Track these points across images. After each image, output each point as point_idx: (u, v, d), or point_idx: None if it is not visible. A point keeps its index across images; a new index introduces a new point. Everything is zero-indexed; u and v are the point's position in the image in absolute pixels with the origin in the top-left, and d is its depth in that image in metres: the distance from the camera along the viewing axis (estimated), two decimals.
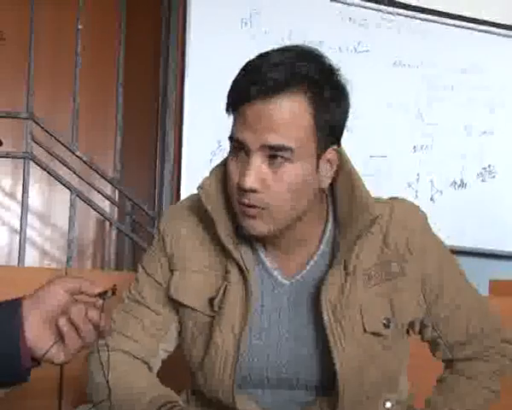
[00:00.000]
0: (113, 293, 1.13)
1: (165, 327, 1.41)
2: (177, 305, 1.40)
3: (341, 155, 1.35)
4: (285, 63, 1.25)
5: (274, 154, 1.24)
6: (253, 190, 1.24)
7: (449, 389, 1.45)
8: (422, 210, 1.43)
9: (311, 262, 1.37)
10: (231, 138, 1.29)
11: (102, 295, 1.12)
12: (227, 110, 1.30)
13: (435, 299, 1.39)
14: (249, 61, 1.29)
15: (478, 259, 3.80)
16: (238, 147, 1.27)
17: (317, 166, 1.28)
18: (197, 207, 1.39)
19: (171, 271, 1.40)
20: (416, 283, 1.37)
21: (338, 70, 1.31)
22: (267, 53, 1.29)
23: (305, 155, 1.25)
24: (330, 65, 1.30)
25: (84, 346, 1.11)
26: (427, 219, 1.42)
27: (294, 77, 1.24)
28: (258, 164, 1.24)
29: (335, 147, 1.31)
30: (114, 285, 1.13)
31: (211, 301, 1.35)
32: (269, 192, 1.25)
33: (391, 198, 1.42)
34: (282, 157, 1.24)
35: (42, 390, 1.63)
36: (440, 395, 1.45)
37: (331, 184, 1.37)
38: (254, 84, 1.23)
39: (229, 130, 1.29)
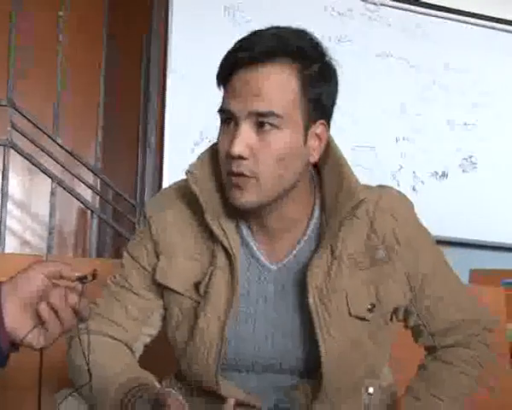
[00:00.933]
0: (93, 277, 1.12)
1: (148, 312, 1.41)
2: (162, 289, 1.40)
3: (330, 141, 1.37)
4: (275, 34, 1.29)
5: (262, 121, 1.25)
6: (242, 157, 1.25)
7: (430, 375, 1.46)
8: (409, 199, 1.44)
9: (298, 247, 1.37)
10: (221, 111, 1.30)
11: (82, 279, 1.11)
12: (218, 84, 1.32)
13: (420, 287, 1.40)
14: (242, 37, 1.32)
15: (459, 248, 3.83)
16: (227, 119, 1.29)
17: (305, 139, 1.30)
18: (184, 191, 1.40)
19: (157, 256, 1.40)
20: (401, 270, 1.38)
21: (328, 51, 1.33)
22: (260, 29, 1.31)
23: (292, 123, 1.27)
24: (320, 44, 1.33)
25: (64, 330, 1.11)
26: (413, 208, 1.43)
27: (283, 47, 1.27)
28: (246, 131, 1.26)
29: (324, 122, 1.32)
30: (94, 270, 1.12)
31: (196, 285, 1.36)
32: (257, 160, 1.26)
33: (379, 186, 1.43)
34: (269, 124, 1.25)
35: (21, 379, 1.62)
36: (422, 381, 1.46)
37: (319, 170, 1.39)
38: (243, 51, 1.26)
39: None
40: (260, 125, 1.26)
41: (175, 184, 1.46)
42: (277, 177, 1.28)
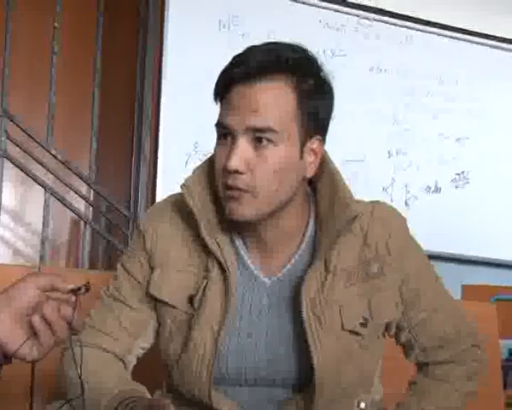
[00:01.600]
0: (87, 290, 1.12)
1: (142, 324, 1.41)
2: (155, 302, 1.40)
3: (324, 155, 1.38)
4: (271, 49, 1.31)
5: (259, 136, 1.27)
6: (238, 172, 1.27)
7: (422, 390, 1.47)
8: (401, 214, 1.45)
9: (292, 261, 1.38)
10: (218, 125, 1.32)
11: (75, 291, 1.11)
12: (215, 99, 1.33)
13: (412, 302, 1.41)
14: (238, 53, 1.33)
15: (451, 264, 3.83)
16: (224, 133, 1.30)
17: (301, 154, 1.31)
18: (179, 205, 1.41)
19: (151, 268, 1.41)
20: (394, 284, 1.39)
21: (323, 65, 1.35)
22: (255, 45, 1.33)
23: (288, 138, 1.28)
24: (316, 59, 1.35)
25: (57, 343, 1.11)
26: (406, 222, 1.44)
27: (279, 62, 1.28)
28: (243, 146, 1.27)
29: (320, 138, 1.34)
30: (88, 282, 1.13)
31: (190, 298, 1.36)
32: (253, 174, 1.27)
33: (371, 201, 1.44)
34: (266, 139, 1.27)
35: (12, 390, 1.61)
36: (414, 396, 1.46)
37: (314, 184, 1.40)
38: (239, 67, 1.28)
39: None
40: (257, 141, 1.27)
41: (170, 197, 1.47)
42: (273, 191, 1.29)
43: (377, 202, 1.45)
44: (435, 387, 1.46)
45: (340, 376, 1.34)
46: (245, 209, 1.29)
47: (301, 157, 1.31)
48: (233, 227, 1.38)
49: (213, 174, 1.35)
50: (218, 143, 1.33)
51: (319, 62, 1.35)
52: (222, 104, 1.32)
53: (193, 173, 1.39)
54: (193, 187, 1.37)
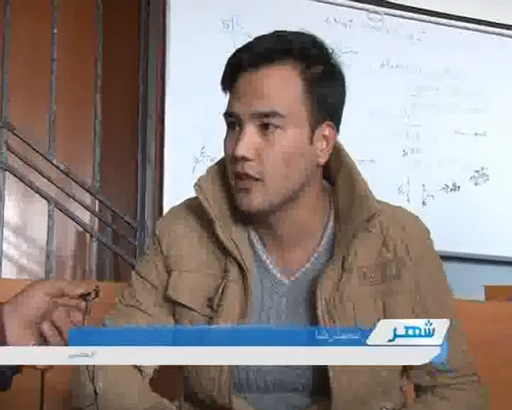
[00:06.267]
0: (96, 294, 1.15)
1: None
2: (173, 307, 1.42)
3: (340, 149, 1.41)
4: (278, 36, 1.35)
5: (265, 122, 1.30)
6: (246, 158, 1.30)
7: (427, 404, 1.45)
8: (425, 225, 1.47)
9: (312, 259, 1.40)
10: (226, 114, 1.35)
11: (85, 296, 1.14)
12: (223, 89, 1.37)
13: (419, 313, 1.40)
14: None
15: (471, 264, 3.82)
16: (232, 122, 1.34)
17: (311, 139, 1.34)
18: (194, 206, 1.44)
19: (169, 272, 1.43)
20: (410, 289, 1.40)
21: (334, 52, 1.38)
22: (263, 34, 1.37)
23: (296, 123, 1.32)
24: (325, 45, 1.38)
25: None
26: (429, 234, 1.47)
27: (285, 47, 1.32)
28: (250, 133, 1.31)
29: (330, 123, 1.36)
30: (97, 286, 1.15)
31: (209, 300, 1.38)
32: (261, 161, 1.31)
33: (395, 206, 1.47)
34: (273, 125, 1.30)
35: (22, 400, 1.62)
36: (419, 403, 1.46)
37: (332, 179, 1.43)
38: (245, 53, 1.33)
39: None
40: (264, 126, 1.31)
41: (185, 200, 1.50)
42: (283, 177, 1.32)
43: (400, 207, 1.48)
44: (441, 406, 1.44)
45: (354, 379, 1.34)
46: (254, 199, 1.32)
47: (311, 143, 1.34)
48: (248, 223, 1.41)
49: (226, 173, 1.38)
50: (227, 133, 1.37)
51: (329, 49, 1.38)
52: (230, 93, 1.36)
53: (206, 173, 1.43)
54: (206, 186, 1.40)
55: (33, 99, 3.61)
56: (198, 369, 1.38)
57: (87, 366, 1.20)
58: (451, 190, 3.98)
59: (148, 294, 1.44)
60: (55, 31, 3.39)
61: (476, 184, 4.03)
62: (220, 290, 1.38)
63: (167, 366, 1.43)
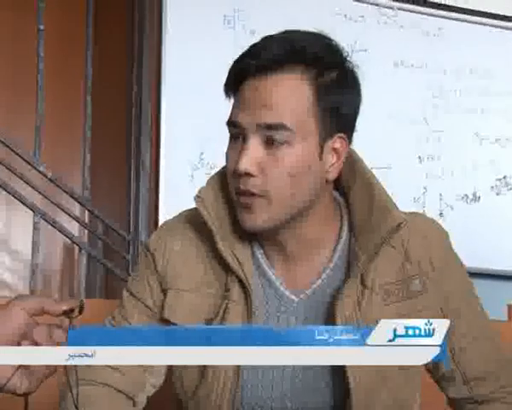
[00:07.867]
0: (80, 311, 1.11)
1: None
2: None
3: (355, 157, 1.38)
4: (287, 38, 1.30)
5: (271, 135, 1.26)
6: (249, 174, 1.26)
7: None
8: (442, 226, 1.46)
9: (324, 275, 1.37)
10: (228, 123, 1.32)
11: (68, 313, 1.10)
12: (226, 95, 1.34)
13: (452, 324, 1.38)
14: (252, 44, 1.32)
15: (492, 281, 3.77)
16: (235, 133, 1.30)
17: (321, 154, 1.30)
18: (192, 218, 1.41)
19: (164, 291, 1.40)
20: (436, 302, 1.38)
21: (348, 55, 1.34)
22: (271, 35, 1.32)
23: (305, 136, 1.27)
24: (340, 49, 1.34)
25: (51, 372, 1.09)
26: (447, 235, 1.45)
27: (295, 52, 1.27)
28: (254, 146, 1.27)
29: (342, 136, 1.31)
30: (81, 301, 1.11)
31: (208, 322, 1.35)
32: (266, 177, 1.27)
33: (408, 213, 1.42)
34: (280, 140, 1.26)
35: None
36: None
37: (345, 191, 1.40)
38: (251, 59, 1.28)
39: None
40: (270, 141, 1.27)
41: (181, 213, 1.48)
42: (289, 196, 1.28)
43: (414, 213, 1.44)
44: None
45: (375, 400, 1.33)
46: (257, 218, 1.29)
47: (321, 158, 1.30)
48: (253, 239, 1.38)
49: (228, 185, 1.35)
50: (229, 145, 1.33)
51: (344, 53, 1.34)
52: (234, 100, 1.32)
53: (206, 184, 1.40)
54: (207, 198, 1.36)
55: (18, 101, 3.59)
56: (196, 396, 1.36)
57: (71, 392, 1.17)
58: (471, 200, 3.95)
59: (140, 315, 1.42)
60: (42, 27, 3.33)
61: (498, 194, 3.99)
62: (221, 312, 1.35)
63: (162, 394, 1.42)
